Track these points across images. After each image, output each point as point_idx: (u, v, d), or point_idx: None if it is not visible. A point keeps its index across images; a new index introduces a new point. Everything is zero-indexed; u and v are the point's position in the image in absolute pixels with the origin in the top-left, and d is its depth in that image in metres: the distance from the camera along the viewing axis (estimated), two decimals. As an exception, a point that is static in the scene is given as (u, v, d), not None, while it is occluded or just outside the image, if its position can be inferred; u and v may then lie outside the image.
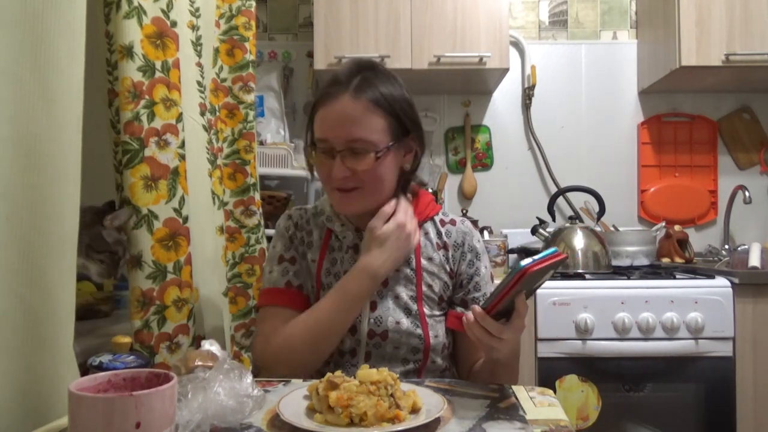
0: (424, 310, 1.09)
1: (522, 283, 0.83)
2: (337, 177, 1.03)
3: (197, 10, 1.28)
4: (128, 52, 1.02)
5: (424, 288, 1.10)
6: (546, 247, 2.07)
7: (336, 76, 1.06)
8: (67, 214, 0.86)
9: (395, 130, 1.05)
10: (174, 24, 1.11)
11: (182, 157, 1.12)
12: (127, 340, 0.81)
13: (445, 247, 1.13)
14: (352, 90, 1.03)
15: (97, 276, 1.02)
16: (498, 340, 0.89)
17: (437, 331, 1.09)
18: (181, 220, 1.11)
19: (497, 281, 0.95)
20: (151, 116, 1.06)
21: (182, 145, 1.12)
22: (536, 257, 0.83)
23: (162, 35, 1.08)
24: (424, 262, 1.11)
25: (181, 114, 1.11)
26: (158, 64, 1.07)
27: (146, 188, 1.05)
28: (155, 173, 1.06)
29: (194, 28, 1.27)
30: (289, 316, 1.09)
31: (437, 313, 1.10)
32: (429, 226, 1.16)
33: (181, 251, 1.11)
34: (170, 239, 1.09)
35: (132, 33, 1.03)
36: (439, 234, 1.15)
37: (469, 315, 0.89)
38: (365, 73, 1.05)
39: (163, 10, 1.08)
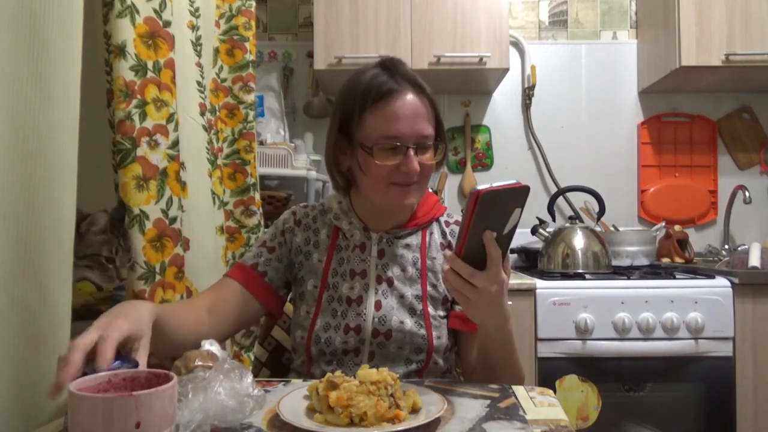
0: (429, 310, 1.08)
1: (482, 214, 0.80)
2: (415, 173, 1.03)
3: (197, 10, 1.28)
4: (121, 51, 1.02)
5: (429, 288, 1.10)
6: (547, 246, 2.08)
7: (385, 72, 1.05)
8: (63, 214, 0.86)
9: (441, 131, 1.09)
10: (167, 24, 1.10)
11: (171, 158, 1.11)
12: None
13: (449, 246, 1.14)
14: (412, 85, 1.05)
15: (101, 281, 1.01)
16: (472, 289, 0.85)
17: (440, 332, 1.08)
18: (167, 222, 1.10)
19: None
20: (143, 116, 1.05)
21: (172, 146, 1.11)
22: (493, 185, 0.80)
23: (154, 35, 1.07)
24: (428, 262, 1.12)
25: (171, 115, 1.11)
26: (150, 64, 1.07)
27: (138, 188, 1.04)
28: (146, 173, 1.06)
29: (194, 28, 1.27)
30: (237, 291, 1.09)
31: (441, 313, 1.10)
32: (434, 226, 1.16)
33: (167, 252, 1.11)
34: (158, 240, 1.09)
35: (125, 32, 1.02)
36: (443, 234, 1.15)
37: (445, 266, 0.87)
38: (410, 69, 1.08)
39: (155, 10, 1.08)
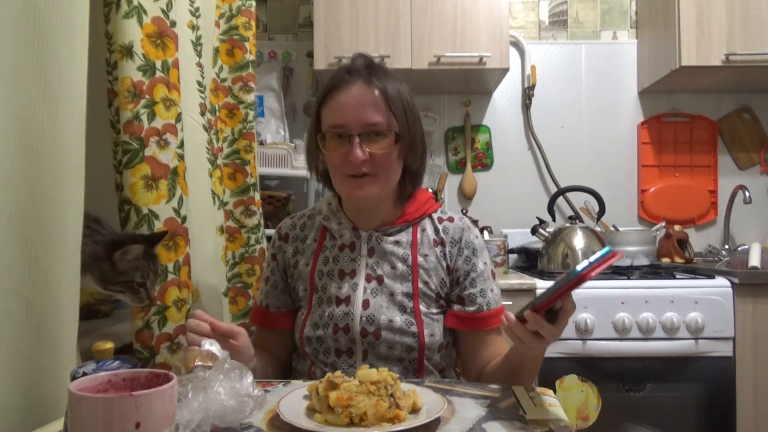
0: (421, 307, 1.08)
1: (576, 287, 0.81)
2: (357, 160, 1.03)
3: (197, 10, 1.28)
4: (128, 51, 1.02)
5: (421, 285, 1.09)
6: (547, 246, 2.08)
7: (345, 67, 1.09)
8: (69, 214, 0.86)
9: (402, 123, 1.07)
10: (173, 24, 1.11)
11: (180, 158, 1.11)
12: (108, 345, 0.76)
13: (442, 243, 1.13)
14: (364, 78, 1.05)
15: (131, 302, 1.02)
16: (540, 339, 0.87)
17: (433, 329, 1.08)
18: (179, 220, 1.11)
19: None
20: (152, 116, 1.05)
21: (181, 145, 1.12)
22: (592, 260, 0.79)
23: (162, 35, 1.08)
24: (420, 259, 1.11)
25: (180, 114, 1.11)
26: (158, 64, 1.07)
27: (147, 188, 1.05)
28: (156, 173, 1.06)
29: (194, 28, 1.27)
30: (258, 333, 1.21)
31: (434, 310, 1.10)
32: (426, 223, 1.15)
33: (180, 251, 1.11)
34: (170, 239, 1.09)
35: (132, 32, 1.02)
36: (436, 231, 1.14)
37: (510, 316, 0.89)
38: (373, 65, 1.09)
39: (163, 10, 1.08)
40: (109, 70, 1.04)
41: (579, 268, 0.79)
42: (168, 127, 1.08)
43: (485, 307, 1.10)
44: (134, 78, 1.03)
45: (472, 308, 1.10)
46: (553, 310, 0.86)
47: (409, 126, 1.08)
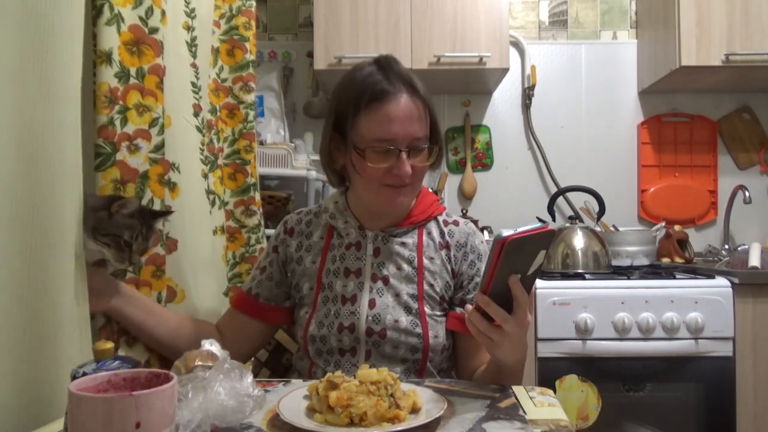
0: (425, 309, 1.08)
1: (508, 258, 0.80)
2: (407, 175, 1.03)
3: (192, 11, 1.29)
4: (107, 58, 1.04)
5: (426, 287, 1.09)
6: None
7: (380, 73, 1.05)
8: (68, 214, 0.87)
9: (435, 134, 1.11)
10: (154, 31, 1.12)
11: (155, 161, 1.12)
12: (108, 345, 0.75)
13: (447, 246, 1.13)
14: (407, 87, 1.05)
15: (114, 260, 1.02)
16: (500, 333, 0.87)
17: (437, 331, 1.08)
18: None
19: None
20: (124, 121, 1.08)
21: (156, 150, 1.13)
22: (519, 230, 0.80)
23: (139, 42, 1.10)
24: (425, 261, 1.11)
25: (155, 119, 1.12)
26: (133, 71, 1.09)
27: (115, 191, 1.07)
28: (125, 177, 1.08)
29: (189, 29, 1.28)
30: (236, 317, 1.18)
31: (438, 313, 1.10)
32: (432, 225, 1.16)
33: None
34: None
35: (111, 39, 1.05)
36: (442, 234, 1.15)
37: (469, 307, 0.89)
38: (406, 69, 1.08)
39: (141, 18, 1.10)
40: (94, 73, 1.05)
41: (503, 233, 0.79)
42: (140, 132, 1.10)
43: None
44: (111, 84, 1.05)
45: None
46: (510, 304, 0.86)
47: (440, 136, 1.12)
